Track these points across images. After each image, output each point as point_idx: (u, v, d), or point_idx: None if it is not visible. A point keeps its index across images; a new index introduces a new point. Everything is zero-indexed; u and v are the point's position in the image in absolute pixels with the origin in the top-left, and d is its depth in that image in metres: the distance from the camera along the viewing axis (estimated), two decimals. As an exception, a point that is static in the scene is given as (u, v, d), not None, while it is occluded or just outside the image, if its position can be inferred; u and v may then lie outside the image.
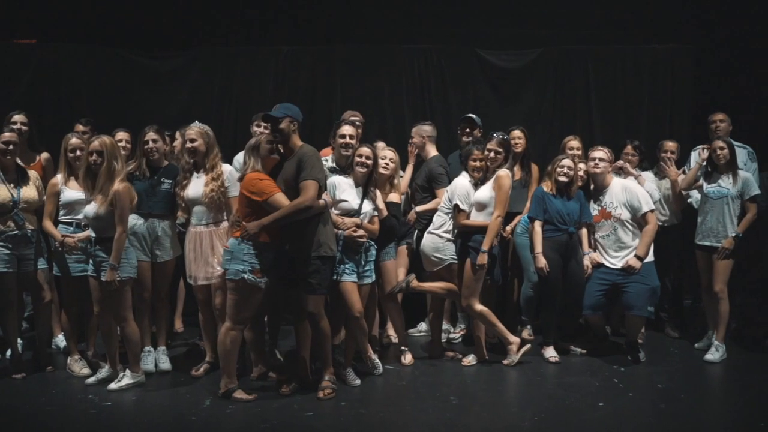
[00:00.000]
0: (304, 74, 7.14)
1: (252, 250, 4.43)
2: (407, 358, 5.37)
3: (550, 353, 5.44)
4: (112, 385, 4.73)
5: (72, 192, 5.02)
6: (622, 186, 5.53)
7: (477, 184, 5.26)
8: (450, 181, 5.65)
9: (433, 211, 5.54)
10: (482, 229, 5.12)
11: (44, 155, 5.75)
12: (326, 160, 5.30)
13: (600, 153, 5.56)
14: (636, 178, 5.85)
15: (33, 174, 5.29)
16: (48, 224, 5.06)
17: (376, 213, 5.02)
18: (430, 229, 5.37)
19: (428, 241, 5.33)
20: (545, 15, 7.25)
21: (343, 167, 5.13)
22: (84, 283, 4.91)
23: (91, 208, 4.65)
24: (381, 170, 5.11)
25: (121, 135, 5.43)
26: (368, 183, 5.02)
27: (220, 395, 4.59)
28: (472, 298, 5.19)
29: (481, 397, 4.73)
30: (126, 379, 4.77)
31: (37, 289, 5.19)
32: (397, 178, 5.22)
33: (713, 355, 5.41)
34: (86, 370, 5.05)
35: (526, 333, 5.89)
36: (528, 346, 5.38)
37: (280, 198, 4.43)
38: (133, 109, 6.91)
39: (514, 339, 5.34)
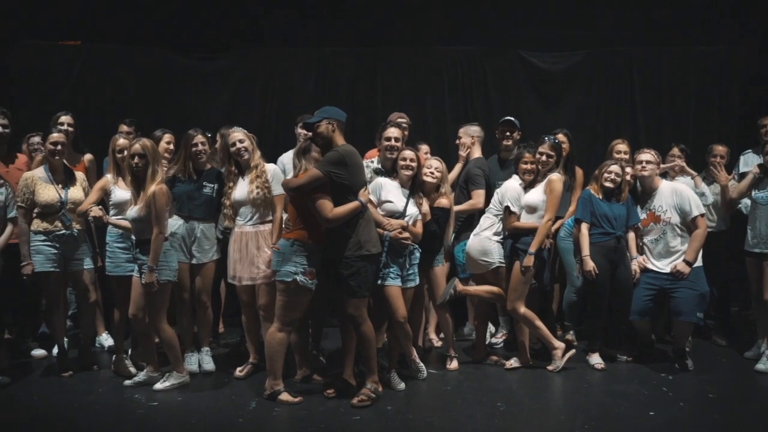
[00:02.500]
0: (346, 75, 7.12)
1: (303, 252, 4.42)
2: (453, 364, 5.32)
3: (596, 360, 5.36)
4: (158, 386, 4.76)
5: (122, 192, 5.03)
6: (672, 189, 5.43)
7: (526, 187, 5.22)
8: (486, 184, 5.65)
9: (467, 212, 5.51)
10: (533, 232, 5.10)
11: (87, 156, 5.80)
12: (372, 162, 5.30)
13: (647, 156, 5.46)
14: (693, 178, 5.75)
15: (80, 175, 5.35)
16: (83, 206, 5.03)
17: (420, 217, 4.97)
18: (476, 231, 5.33)
19: (475, 243, 5.27)
20: (590, 16, 7.14)
21: (389, 169, 5.11)
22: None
23: (132, 211, 4.67)
24: (426, 179, 5.05)
25: (169, 137, 5.45)
26: (414, 185, 4.99)
27: (265, 397, 4.59)
28: (518, 302, 5.13)
29: (528, 403, 4.66)
30: (171, 379, 4.79)
31: (82, 289, 5.24)
32: (444, 187, 5.15)
33: (765, 365, 5.27)
34: (132, 369, 5.08)
35: (569, 338, 5.82)
36: (573, 351, 5.31)
37: (326, 201, 4.40)
38: (176, 110, 6.96)
39: (559, 344, 5.26)
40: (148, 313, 4.72)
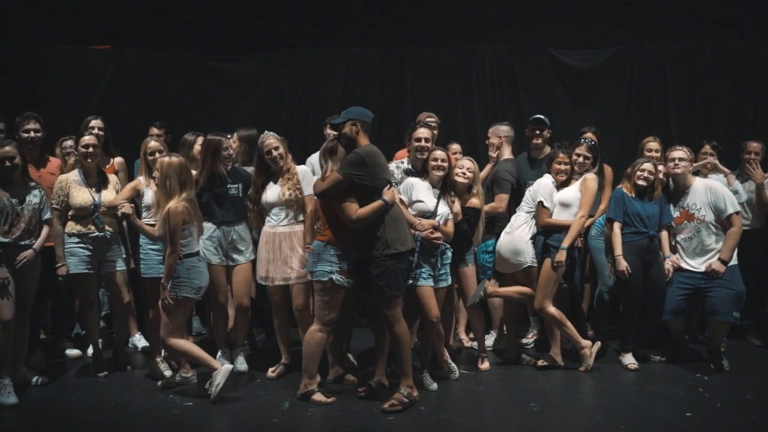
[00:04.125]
0: (374, 75, 7.09)
1: (337, 251, 4.45)
2: (485, 365, 5.30)
3: (629, 360, 5.30)
4: (213, 397, 4.55)
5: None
6: (706, 186, 5.35)
7: (558, 186, 5.20)
8: (517, 183, 5.66)
9: (488, 214, 5.46)
10: (565, 229, 5.09)
11: (117, 159, 5.84)
12: (402, 162, 5.30)
13: (680, 153, 5.39)
14: (726, 176, 5.68)
15: (113, 178, 5.41)
16: (114, 200, 5.09)
17: (451, 216, 4.96)
18: (507, 229, 5.30)
19: (507, 242, 5.25)
20: (620, 13, 7.05)
21: (419, 170, 5.10)
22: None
23: (156, 231, 4.70)
24: (458, 179, 5.03)
25: (202, 140, 5.47)
26: (444, 185, 4.98)
27: (298, 396, 4.59)
28: (546, 300, 5.10)
29: (562, 404, 4.64)
30: (215, 380, 4.56)
31: (116, 290, 5.29)
32: (476, 187, 5.12)
33: (802, 365, 5.19)
34: (167, 373, 5.09)
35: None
36: (598, 343, 5.27)
37: (350, 203, 4.39)
38: (206, 112, 6.99)
39: (586, 343, 5.22)
40: (161, 325, 4.69)
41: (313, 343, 4.54)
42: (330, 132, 5.52)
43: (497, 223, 5.52)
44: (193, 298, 4.70)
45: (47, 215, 4.98)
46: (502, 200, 5.57)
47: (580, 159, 5.24)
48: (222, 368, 4.58)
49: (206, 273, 4.77)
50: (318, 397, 4.56)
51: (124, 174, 5.77)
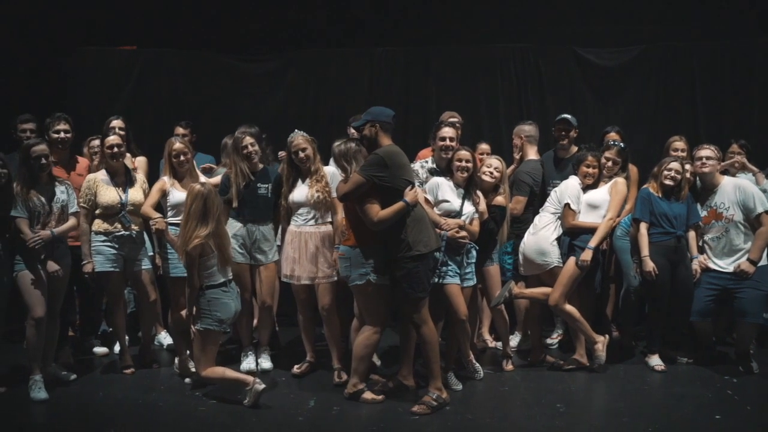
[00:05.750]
0: (399, 75, 7.09)
1: (365, 252, 4.45)
2: (509, 365, 5.29)
3: (656, 361, 5.26)
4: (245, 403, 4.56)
5: (179, 193, 5.10)
6: (735, 185, 5.29)
7: (585, 189, 5.19)
8: (542, 182, 5.61)
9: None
10: (591, 231, 5.07)
11: (140, 159, 5.86)
12: (426, 162, 5.28)
13: (707, 152, 5.33)
14: (755, 174, 5.60)
15: (140, 177, 5.45)
16: (147, 208, 5.12)
17: (476, 215, 4.94)
18: (532, 230, 5.28)
19: (531, 242, 5.23)
20: (646, 10, 6.99)
21: (444, 169, 5.09)
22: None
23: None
24: (485, 178, 5.02)
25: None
26: (469, 185, 4.96)
27: (346, 396, 4.59)
28: (562, 297, 5.07)
29: (588, 405, 4.63)
30: (246, 396, 4.52)
31: (142, 289, 5.33)
32: (502, 186, 5.11)
33: (833, 368, 5.11)
34: (194, 369, 5.10)
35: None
36: (607, 336, 5.23)
37: (372, 204, 4.37)
38: (231, 112, 7.01)
39: (600, 338, 5.17)
40: (194, 360, 4.74)
41: (369, 344, 4.54)
42: (353, 132, 5.54)
43: (515, 224, 5.49)
44: (214, 330, 4.62)
45: (73, 209, 5.04)
46: (518, 202, 5.53)
47: (609, 163, 5.23)
48: (253, 387, 4.51)
49: (232, 304, 4.67)
50: (368, 395, 4.57)
51: (144, 174, 5.81)
